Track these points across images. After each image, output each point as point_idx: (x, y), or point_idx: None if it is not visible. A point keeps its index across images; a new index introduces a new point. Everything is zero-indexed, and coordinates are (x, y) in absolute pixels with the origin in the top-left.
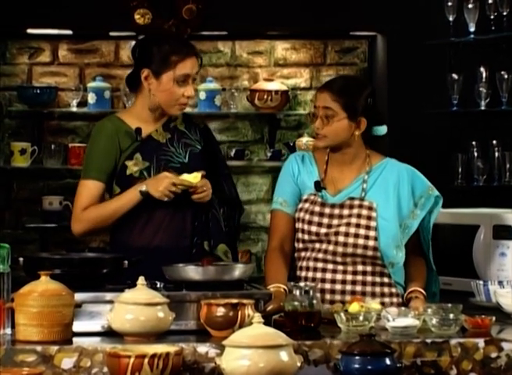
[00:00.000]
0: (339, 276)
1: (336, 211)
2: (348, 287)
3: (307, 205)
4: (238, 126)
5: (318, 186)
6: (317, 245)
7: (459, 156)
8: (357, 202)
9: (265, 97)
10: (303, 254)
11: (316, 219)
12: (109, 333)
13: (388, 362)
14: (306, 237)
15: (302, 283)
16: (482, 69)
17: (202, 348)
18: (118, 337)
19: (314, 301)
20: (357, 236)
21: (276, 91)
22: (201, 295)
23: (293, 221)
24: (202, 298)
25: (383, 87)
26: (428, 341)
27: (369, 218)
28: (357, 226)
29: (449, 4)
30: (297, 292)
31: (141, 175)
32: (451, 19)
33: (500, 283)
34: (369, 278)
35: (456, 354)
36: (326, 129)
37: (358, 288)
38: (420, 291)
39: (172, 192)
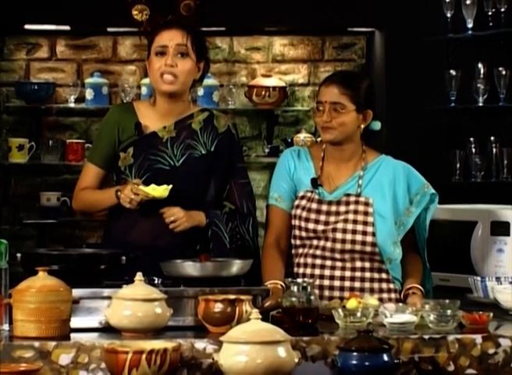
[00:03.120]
0: (337, 273)
1: (333, 208)
2: (347, 284)
3: (303, 202)
4: (236, 122)
5: (315, 183)
6: (314, 242)
7: (457, 152)
8: (353, 199)
9: (263, 93)
10: (300, 250)
11: (313, 216)
12: (107, 329)
13: (385, 358)
14: (303, 234)
15: (300, 280)
16: (480, 66)
17: (200, 344)
18: (115, 332)
19: (312, 298)
20: (354, 232)
21: (274, 87)
22: (199, 291)
23: (289, 217)
24: (200, 293)
25: (381, 83)
26: (426, 337)
27: (366, 213)
28: (355, 222)
29: (447, 0)
30: (295, 288)
31: (125, 170)
32: (449, 15)
33: (498, 279)
34: (367, 274)
35: (453, 350)
36: (335, 121)
37: (357, 284)
38: (417, 287)
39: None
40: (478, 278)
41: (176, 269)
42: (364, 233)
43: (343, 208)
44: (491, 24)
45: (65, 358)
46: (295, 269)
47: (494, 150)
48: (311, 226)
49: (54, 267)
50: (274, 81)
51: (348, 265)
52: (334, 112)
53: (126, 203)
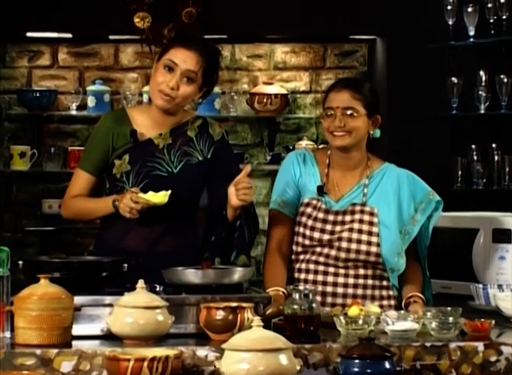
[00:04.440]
0: (340, 280)
1: (339, 217)
2: (350, 291)
3: (309, 210)
4: (237, 129)
5: (321, 190)
6: (317, 249)
7: (458, 160)
8: (358, 208)
9: (265, 100)
10: (301, 257)
11: (319, 225)
12: (109, 337)
13: (387, 365)
14: (307, 242)
15: (301, 287)
16: (482, 73)
17: (201, 352)
18: (117, 340)
19: (314, 305)
20: (359, 242)
21: (276, 95)
22: (201, 299)
23: (292, 222)
24: (201, 301)
25: (383, 90)
26: (428, 344)
27: (371, 223)
28: (360, 231)
29: (449, 7)
30: (297, 296)
31: (121, 177)
32: (451, 22)
33: (500, 286)
34: (370, 281)
35: (455, 357)
36: (350, 125)
37: (359, 291)
38: (418, 295)
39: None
40: (480, 285)
41: (177, 276)
42: (369, 243)
43: (348, 218)
44: (492, 32)
45: (66, 366)
46: (296, 275)
47: (496, 157)
48: (316, 235)
49: (55, 274)
50: (275, 89)
51: (351, 272)
52: (347, 117)
53: (125, 213)
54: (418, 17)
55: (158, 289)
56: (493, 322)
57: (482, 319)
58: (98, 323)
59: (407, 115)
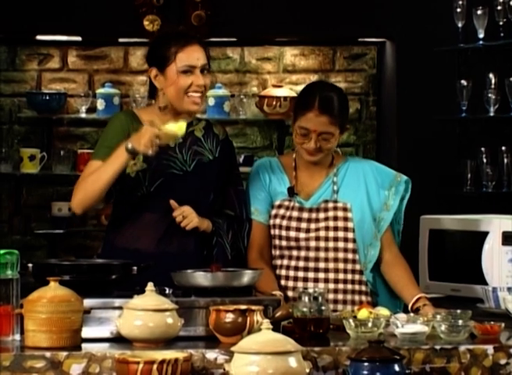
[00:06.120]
0: (321, 285)
1: (313, 215)
2: (330, 296)
3: (282, 211)
4: (247, 132)
5: (292, 192)
6: (294, 253)
7: (468, 162)
8: (331, 205)
9: (274, 103)
10: (279, 262)
11: (294, 224)
12: (118, 340)
13: (397, 368)
14: (283, 243)
15: (311, 290)
16: (491, 76)
17: (211, 354)
18: (127, 343)
19: (323, 308)
20: (336, 239)
21: (285, 98)
22: (210, 301)
23: (268, 228)
24: (211, 304)
25: (392, 93)
26: (437, 347)
27: (345, 219)
28: (335, 229)
29: (458, 10)
30: (306, 298)
31: (137, 176)
32: (460, 25)
33: (509, 289)
34: (349, 286)
35: (465, 360)
36: (325, 147)
37: (340, 296)
38: (425, 296)
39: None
40: (490, 288)
41: (187, 279)
42: (346, 239)
43: (322, 215)
44: (502, 34)
45: (76, 369)
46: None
47: (505, 160)
48: (292, 234)
49: (65, 277)
50: (285, 91)
51: (331, 276)
52: (323, 141)
53: (148, 150)
54: (428, 20)
55: (167, 292)
56: (503, 325)
57: (492, 322)
58: (108, 326)
59: (416, 117)
